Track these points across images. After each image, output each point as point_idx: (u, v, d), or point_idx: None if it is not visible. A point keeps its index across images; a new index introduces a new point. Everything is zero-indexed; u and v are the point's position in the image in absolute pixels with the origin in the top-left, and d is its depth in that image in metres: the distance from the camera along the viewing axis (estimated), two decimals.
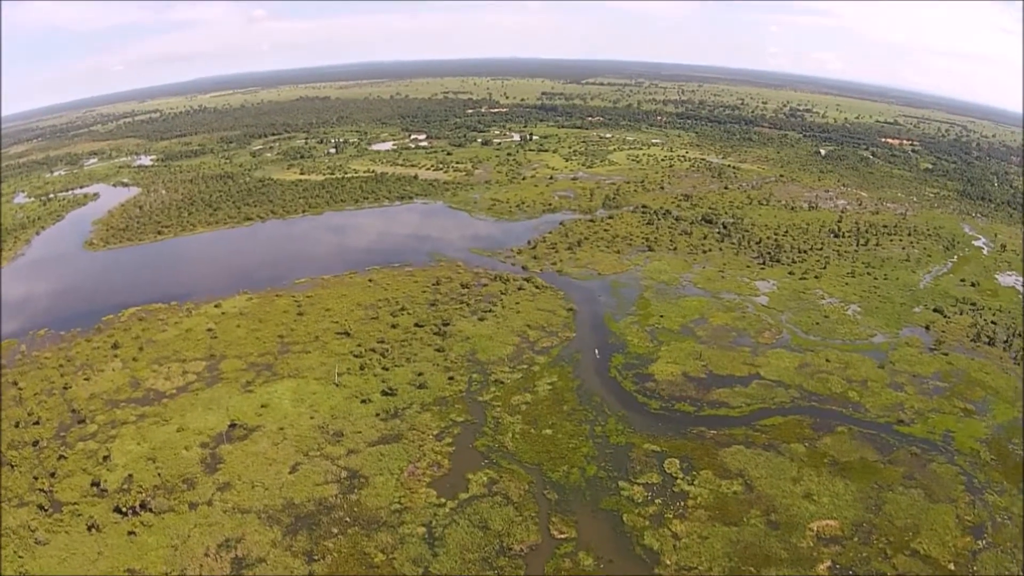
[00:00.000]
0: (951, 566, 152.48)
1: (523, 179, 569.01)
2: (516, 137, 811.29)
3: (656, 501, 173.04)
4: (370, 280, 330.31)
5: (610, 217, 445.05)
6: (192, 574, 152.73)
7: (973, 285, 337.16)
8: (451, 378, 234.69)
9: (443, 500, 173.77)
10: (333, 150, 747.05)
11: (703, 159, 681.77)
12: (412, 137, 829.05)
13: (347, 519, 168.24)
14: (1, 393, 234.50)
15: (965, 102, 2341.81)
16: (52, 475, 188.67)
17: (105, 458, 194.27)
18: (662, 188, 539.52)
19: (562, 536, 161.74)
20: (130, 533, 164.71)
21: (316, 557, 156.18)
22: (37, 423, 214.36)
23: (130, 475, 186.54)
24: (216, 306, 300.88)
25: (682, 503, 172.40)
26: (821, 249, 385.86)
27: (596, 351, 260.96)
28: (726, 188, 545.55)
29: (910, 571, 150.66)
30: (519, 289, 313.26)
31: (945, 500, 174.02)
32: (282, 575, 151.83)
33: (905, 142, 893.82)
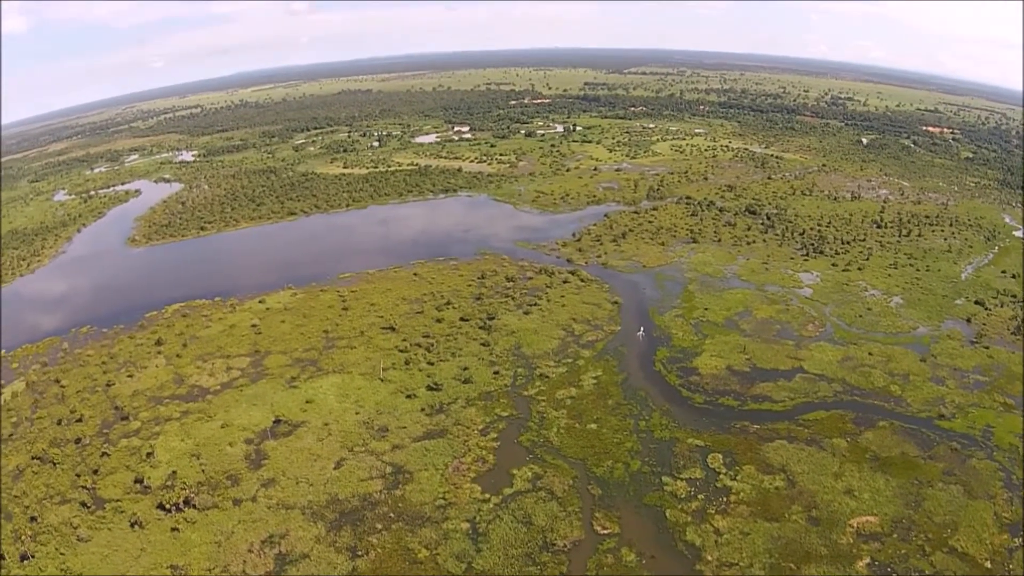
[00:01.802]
0: (988, 564, 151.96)
1: (567, 171, 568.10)
2: (559, 128, 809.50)
3: (699, 496, 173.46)
4: (415, 274, 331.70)
5: (654, 208, 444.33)
6: (235, 570, 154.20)
7: (1014, 277, 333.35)
8: (496, 372, 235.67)
9: (487, 495, 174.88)
10: (376, 143, 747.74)
11: (746, 148, 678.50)
12: (455, 129, 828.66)
13: (391, 515, 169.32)
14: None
15: (1006, 89, 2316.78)
16: (95, 472, 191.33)
17: (148, 455, 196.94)
18: (705, 179, 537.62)
19: (605, 532, 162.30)
20: (173, 530, 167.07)
21: (360, 553, 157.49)
22: (80, 420, 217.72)
23: (174, 472, 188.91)
24: (260, 301, 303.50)
25: (724, 498, 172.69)
26: (864, 240, 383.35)
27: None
28: (769, 178, 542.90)
29: (947, 568, 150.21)
30: (564, 282, 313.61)
31: (983, 497, 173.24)
32: (326, 572, 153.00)
33: (946, 130, 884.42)
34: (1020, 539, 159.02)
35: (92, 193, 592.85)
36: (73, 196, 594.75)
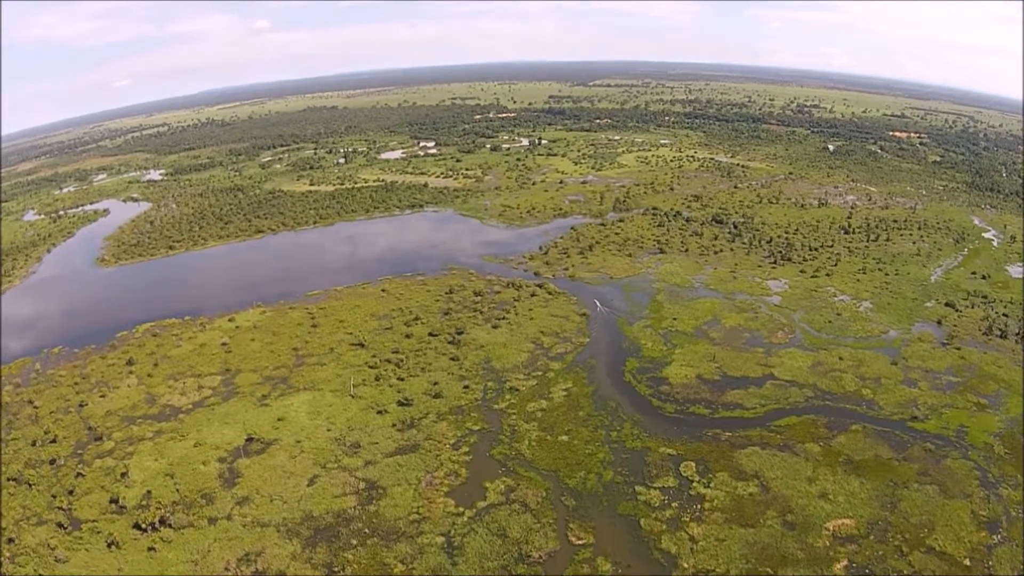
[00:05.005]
0: (967, 562, 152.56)
1: (533, 184, 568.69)
2: (525, 142, 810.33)
3: (673, 505, 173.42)
4: (383, 290, 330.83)
5: (621, 220, 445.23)
6: None
7: (984, 278, 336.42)
8: (466, 387, 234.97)
9: (461, 509, 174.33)
10: (342, 160, 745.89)
11: (712, 158, 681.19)
12: (421, 145, 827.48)
13: (366, 530, 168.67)
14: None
15: (970, 92, 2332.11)
16: (70, 493, 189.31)
17: (123, 475, 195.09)
18: (672, 189, 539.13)
19: (580, 542, 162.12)
20: (150, 549, 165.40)
21: (336, 569, 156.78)
22: (54, 441, 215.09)
23: (148, 491, 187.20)
24: (230, 320, 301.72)
25: (699, 506, 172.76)
26: (832, 246, 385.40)
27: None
28: (736, 187, 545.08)
29: (926, 568, 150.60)
30: (532, 295, 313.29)
31: (960, 496, 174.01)
32: None
33: (913, 135, 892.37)
34: (999, 536, 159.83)
35: (61, 213, 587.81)
36: (42, 216, 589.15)
